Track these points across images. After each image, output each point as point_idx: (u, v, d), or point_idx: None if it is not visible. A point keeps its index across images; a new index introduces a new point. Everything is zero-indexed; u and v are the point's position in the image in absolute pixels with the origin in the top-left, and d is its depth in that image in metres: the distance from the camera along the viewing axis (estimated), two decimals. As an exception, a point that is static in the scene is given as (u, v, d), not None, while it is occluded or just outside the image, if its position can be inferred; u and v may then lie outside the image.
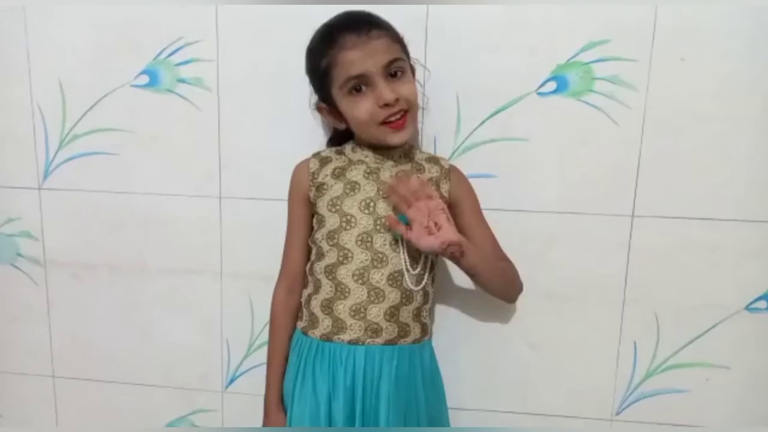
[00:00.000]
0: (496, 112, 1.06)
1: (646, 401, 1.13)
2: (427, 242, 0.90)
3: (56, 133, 1.18)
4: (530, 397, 1.16)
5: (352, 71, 0.91)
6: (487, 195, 1.07)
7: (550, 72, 1.04)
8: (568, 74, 1.03)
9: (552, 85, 1.04)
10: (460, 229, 1.01)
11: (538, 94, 1.05)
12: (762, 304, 1.07)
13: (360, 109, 0.94)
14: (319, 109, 1.02)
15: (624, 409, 1.14)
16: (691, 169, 1.04)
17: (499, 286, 1.04)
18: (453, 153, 1.08)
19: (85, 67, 1.15)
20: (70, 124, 1.17)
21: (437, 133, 1.08)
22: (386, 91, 0.91)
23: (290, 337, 1.06)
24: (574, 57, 1.02)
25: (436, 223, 0.90)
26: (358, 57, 0.91)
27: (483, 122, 1.07)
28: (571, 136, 1.06)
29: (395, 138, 0.95)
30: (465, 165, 1.06)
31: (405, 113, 0.94)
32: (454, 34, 1.04)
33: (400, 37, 0.96)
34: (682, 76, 1.01)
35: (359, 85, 0.92)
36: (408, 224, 0.92)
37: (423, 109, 1.06)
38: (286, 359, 1.05)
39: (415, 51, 1.03)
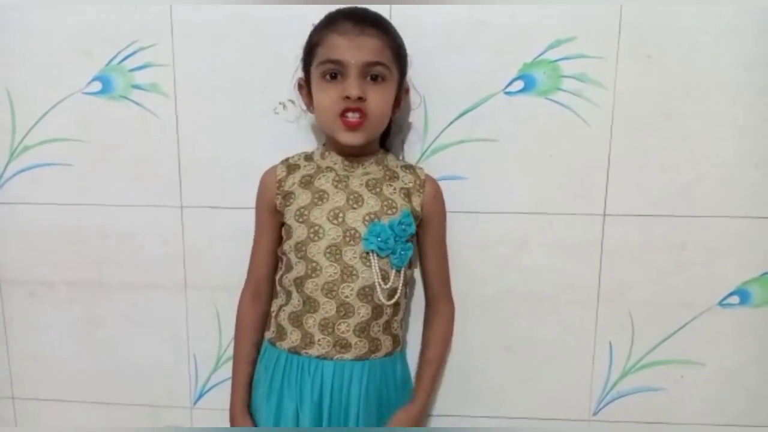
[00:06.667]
0: (464, 113, 1.04)
1: (622, 400, 1.12)
2: None
3: (6, 144, 1.12)
4: (507, 401, 1.14)
5: (332, 55, 0.89)
6: (456, 197, 1.05)
7: (517, 71, 1.02)
8: (535, 73, 1.01)
9: (519, 84, 1.02)
10: (419, 247, 1.01)
11: (506, 93, 1.03)
12: (734, 299, 1.07)
13: (325, 95, 0.91)
14: (299, 86, 0.99)
15: (601, 409, 1.13)
16: (660, 166, 1.03)
17: None
18: (421, 155, 1.06)
19: (33, 74, 1.09)
20: (21, 134, 1.12)
21: (405, 135, 1.06)
22: (354, 85, 0.88)
23: (256, 344, 1.03)
24: (540, 55, 1.01)
25: None
26: (343, 44, 0.89)
27: (450, 123, 1.04)
28: (540, 135, 1.04)
29: (345, 137, 0.92)
30: (434, 167, 1.04)
31: (364, 117, 0.91)
32: (419, 34, 1.01)
33: (399, 49, 0.94)
34: (649, 73, 1.00)
35: (335, 71, 0.90)
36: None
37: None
38: (252, 365, 1.03)
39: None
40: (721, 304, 1.07)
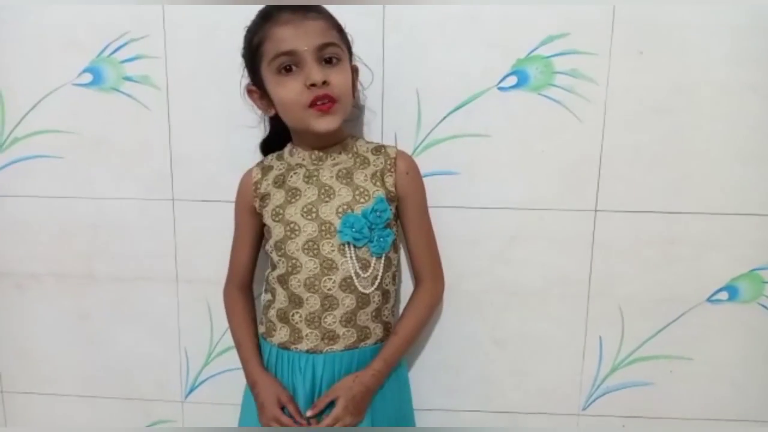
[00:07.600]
0: (457, 108, 1.04)
1: (611, 395, 1.13)
2: None
3: (-5, 136, 1.12)
4: (496, 395, 1.15)
5: (282, 47, 0.87)
6: (449, 192, 1.05)
7: (511, 67, 1.02)
8: (529, 68, 1.01)
9: (512, 80, 1.02)
10: (402, 227, 1.00)
11: (499, 89, 1.03)
12: (723, 295, 1.08)
13: (286, 89, 0.88)
14: (249, 92, 0.97)
15: (590, 404, 1.14)
16: (652, 162, 1.04)
17: None
18: (414, 150, 1.05)
19: (23, 65, 1.08)
20: (10, 126, 1.11)
21: (397, 130, 1.05)
22: (315, 71, 0.86)
23: (254, 321, 1.04)
24: (533, 51, 1.01)
25: None
26: (290, 34, 0.86)
27: (444, 118, 1.04)
28: (533, 130, 1.04)
29: (321, 123, 0.89)
30: (426, 162, 1.04)
31: (334, 102, 0.89)
32: (412, 30, 1.01)
33: (341, 28, 0.92)
34: (641, 69, 1.00)
35: (289, 64, 0.88)
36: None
37: (381, 108, 1.04)
38: (257, 336, 1.02)
39: (372, 48, 1.01)
40: (710, 299, 1.08)
